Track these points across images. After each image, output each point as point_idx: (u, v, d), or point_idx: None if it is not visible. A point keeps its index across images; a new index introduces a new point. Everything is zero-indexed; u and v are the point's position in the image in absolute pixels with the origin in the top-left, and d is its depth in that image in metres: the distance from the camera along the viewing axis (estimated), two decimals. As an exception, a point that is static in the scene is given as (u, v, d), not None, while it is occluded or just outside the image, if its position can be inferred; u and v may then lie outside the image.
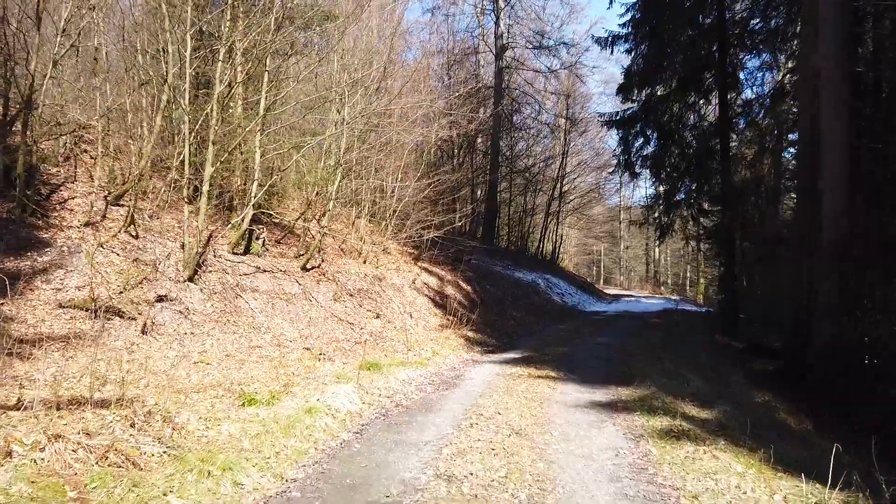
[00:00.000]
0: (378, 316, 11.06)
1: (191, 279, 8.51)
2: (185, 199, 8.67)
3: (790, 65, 16.60)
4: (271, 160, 10.35)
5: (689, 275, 47.15)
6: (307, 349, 8.71)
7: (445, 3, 25.51)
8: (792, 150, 16.52)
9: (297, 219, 11.92)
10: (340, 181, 11.49)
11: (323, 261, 11.77)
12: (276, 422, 4.94)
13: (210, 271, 9.10)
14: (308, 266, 10.97)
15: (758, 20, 16.00)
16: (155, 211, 9.64)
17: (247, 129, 8.68)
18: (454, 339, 11.33)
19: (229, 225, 9.83)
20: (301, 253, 11.15)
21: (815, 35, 11.19)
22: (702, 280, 40.12)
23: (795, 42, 16.02)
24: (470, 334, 11.87)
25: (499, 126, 24.13)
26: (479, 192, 24.14)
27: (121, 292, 7.48)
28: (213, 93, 8.77)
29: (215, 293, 8.78)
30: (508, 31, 26.20)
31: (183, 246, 8.60)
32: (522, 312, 15.54)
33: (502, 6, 25.71)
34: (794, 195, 15.98)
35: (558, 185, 27.54)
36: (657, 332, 12.78)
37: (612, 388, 7.24)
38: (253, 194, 9.57)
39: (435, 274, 14.87)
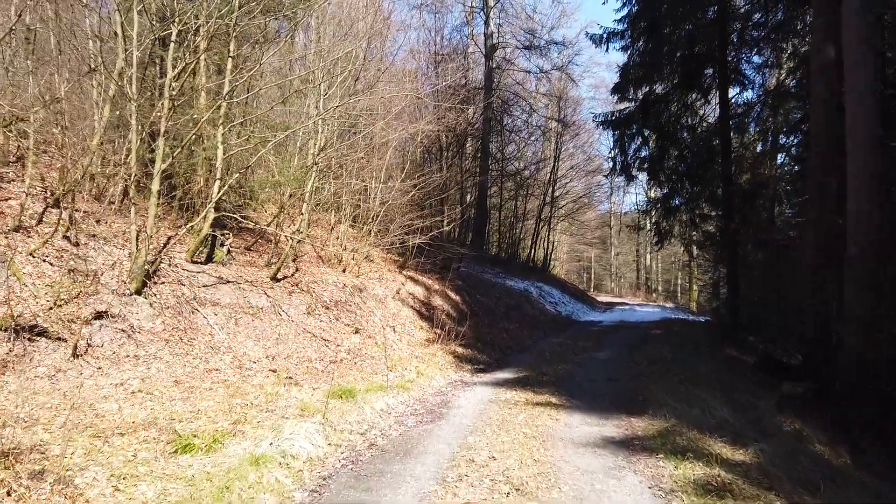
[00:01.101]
0: (357, 331, 9.98)
1: (138, 292, 7.39)
2: (132, 201, 7.56)
3: (790, 65, 15.89)
4: (237, 157, 9.27)
5: (680, 281, 46.53)
6: (273, 371, 7.62)
7: (433, 1, 24.61)
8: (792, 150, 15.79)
9: (270, 223, 10.85)
10: (316, 182, 10.42)
11: (297, 270, 10.69)
12: (209, 479, 3.85)
13: (163, 282, 7.98)
14: (279, 276, 9.89)
15: (759, 14, 15.21)
16: (103, 214, 8.54)
17: (202, 120, 7.58)
18: (441, 355, 10.27)
19: (188, 230, 8.72)
20: (272, 261, 10.07)
21: (830, 24, 10.37)
22: (694, 287, 39.41)
23: (797, 40, 15.37)
24: (459, 350, 10.82)
25: (489, 128, 23.20)
26: (468, 197, 23.16)
27: (50, 308, 6.36)
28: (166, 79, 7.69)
29: (167, 308, 7.65)
30: (499, 31, 25.35)
31: (131, 254, 7.50)
32: (515, 324, 14.51)
33: (492, 5, 24.85)
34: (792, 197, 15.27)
35: (550, 190, 26.62)
36: (660, 346, 11.79)
37: (624, 417, 6.21)
38: (214, 195, 8.47)
39: (421, 283, 13.81)
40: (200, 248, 9.08)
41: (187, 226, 8.16)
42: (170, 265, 8.38)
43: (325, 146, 10.19)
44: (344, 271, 11.85)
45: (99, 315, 6.76)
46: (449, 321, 12.37)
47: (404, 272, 13.75)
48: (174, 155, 7.77)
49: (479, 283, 16.39)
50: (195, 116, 8.18)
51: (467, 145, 22.29)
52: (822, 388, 7.46)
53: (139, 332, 7.01)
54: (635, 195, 56.24)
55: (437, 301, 13.42)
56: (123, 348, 6.65)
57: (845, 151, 8.62)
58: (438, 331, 11.18)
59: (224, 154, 8.69)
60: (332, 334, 9.55)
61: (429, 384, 8.11)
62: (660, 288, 45.99)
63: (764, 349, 13.51)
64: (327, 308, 10.12)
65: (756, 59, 15.89)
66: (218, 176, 8.65)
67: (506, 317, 14.79)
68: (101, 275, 7.33)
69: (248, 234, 10.99)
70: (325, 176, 12.06)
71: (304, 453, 4.62)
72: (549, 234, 28.37)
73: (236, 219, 9.64)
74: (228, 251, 9.85)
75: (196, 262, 8.90)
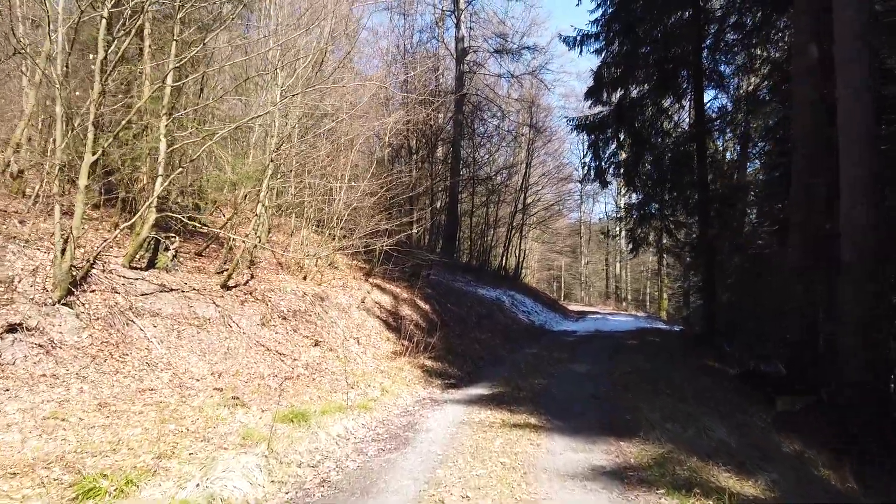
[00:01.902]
0: (317, 343, 9.14)
1: (63, 301, 6.45)
2: (56, 198, 6.63)
3: (763, 71, 15.70)
4: (185, 152, 8.38)
5: (649, 290, 46.68)
6: (218, 390, 6.74)
7: (403, 3, 23.97)
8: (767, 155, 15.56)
9: (223, 226, 9.95)
10: (274, 181, 9.58)
11: (252, 277, 9.81)
12: (107, 540, 3.04)
13: (93, 290, 7.03)
14: (231, 283, 9.00)
15: (735, 17, 14.97)
16: (27, 213, 7.58)
17: (135, 107, 6.71)
18: (409, 369, 9.49)
19: (124, 231, 7.80)
20: (224, 268, 9.17)
21: (815, 23, 10.07)
22: (664, 296, 39.47)
23: (770, 47, 15.19)
24: (428, 363, 10.06)
25: (460, 132, 22.59)
26: (438, 203, 22.49)
27: (-52, 321, 5.43)
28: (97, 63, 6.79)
29: (97, 319, 6.72)
30: (470, 35, 24.84)
31: (54, 258, 6.56)
32: (487, 334, 13.82)
33: (463, 8, 24.34)
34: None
35: (522, 197, 26.13)
36: (639, 356, 11.24)
37: (613, 441, 5.54)
38: (155, 192, 7.57)
39: (389, 291, 13.02)
40: (141, 253, 8.18)
41: (122, 226, 7.24)
42: (104, 271, 7.44)
43: (283, 142, 9.36)
44: (305, 279, 10.99)
45: (12, 328, 5.82)
46: (418, 332, 11.61)
47: (371, 280, 12.94)
48: (105, 146, 6.86)
49: (450, 291, 15.68)
50: (135, 104, 7.29)
51: (438, 150, 21.64)
52: (820, 400, 6.93)
53: (60, 348, 6.08)
54: (605, 204, 56.69)
55: (406, 310, 12.65)
56: (39, 366, 5.73)
57: (832, 152, 8.26)
58: (406, 342, 10.41)
59: (168, 147, 7.81)
60: (289, 347, 8.69)
61: (394, 403, 7.32)
62: (629, 297, 46.06)
63: (741, 357, 13.15)
64: (284, 318, 9.26)
65: (727, 67, 15.67)
66: (160, 171, 7.76)
67: (478, 327, 14.09)
68: (19, 281, 6.39)
69: (200, 238, 10.08)
70: (285, 176, 11.22)
71: (238, 496, 3.81)
72: (520, 242, 27.85)
73: (182, 220, 8.72)
74: (174, 256, 8.93)
75: (135, 268, 7.98)
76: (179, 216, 8.46)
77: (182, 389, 6.58)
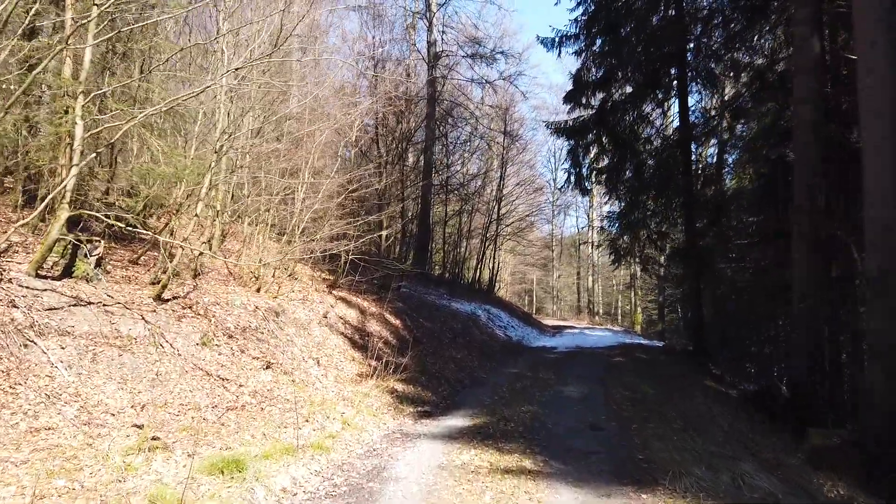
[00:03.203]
0: (269, 366, 7.81)
1: (-66, 317, 5.07)
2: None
3: (744, 78, 15.09)
4: (108, 137, 7.03)
5: (620, 304, 46.27)
6: (136, 428, 5.40)
7: (373, 4, 22.88)
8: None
9: (162, 230, 8.59)
10: (219, 176, 8.30)
11: (196, 288, 8.46)
12: None
13: (-20, 304, 5.66)
14: (166, 296, 7.64)
15: (719, 17, 14.32)
16: None
17: (29, 79, 5.39)
18: (377, 394, 8.23)
19: (17, 230, 6.43)
20: (159, 278, 7.81)
21: (816, 14, 9.35)
22: (639, 310, 38.96)
23: (753, 53, 14.60)
24: (399, 386, 8.82)
25: (432, 137, 21.52)
26: (410, 213, 21.31)
27: None
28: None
29: (-18, 340, 5.35)
30: (443, 39, 23.93)
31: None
32: (464, 352, 12.62)
33: (435, 11, 23.43)
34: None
35: (497, 207, 25.15)
36: (631, 376, 10.20)
37: (633, 493, 4.37)
38: (66, 184, 6.22)
39: (355, 305, 11.74)
40: (55, 259, 6.80)
41: (18, 224, 5.86)
42: (0, 280, 6.06)
43: (232, 132, 8.09)
44: (259, 291, 9.66)
45: None
46: (387, 350, 10.36)
47: (335, 292, 11.65)
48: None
49: (423, 305, 14.47)
50: (37, 79, 5.97)
51: (409, 155, 20.53)
52: (860, 438, 5.93)
53: (-76, 378, 4.72)
54: (576, 218, 56.38)
55: (374, 326, 11.38)
56: None
57: (835, 150, 7.46)
58: (374, 363, 9.15)
59: (86, 132, 6.48)
60: (235, 371, 7.35)
61: (358, 439, 6.06)
62: (601, 311, 45.60)
63: (733, 376, 12.29)
64: (231, 337, 7.91)
65: (716, 65, 14.96)
66: (74, 161, 6.41)
67: (453, 344, 12.89)
68: None
69: (138, 243, 8.71)
70: (237, 174, 9.92)
71: None
72: (495, 254, 26.83)
73: (107, 220, 7.32)
74: (98, 263, 7.54)
75: (45, 277, 6.58)
76: (101, 215, 7.08)
77: (90, 427, 5.23)
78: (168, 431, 5.52)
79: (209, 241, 10.14)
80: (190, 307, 7.88)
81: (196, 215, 7.80)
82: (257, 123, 9.73)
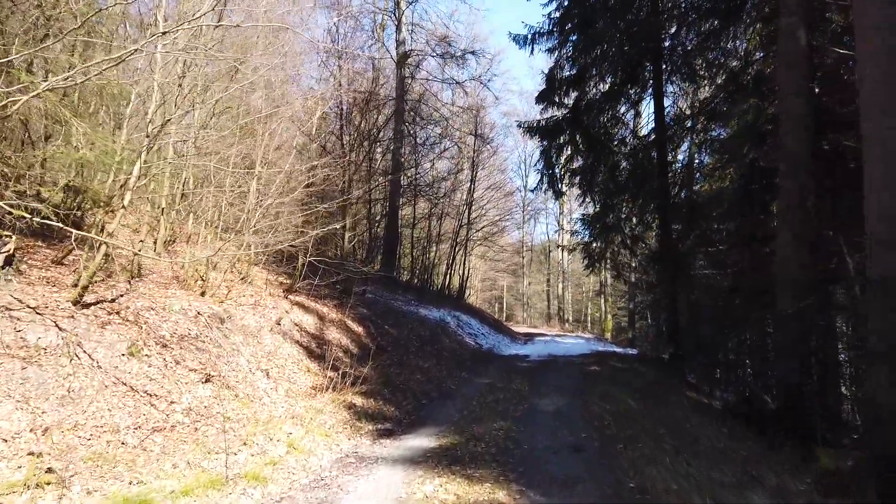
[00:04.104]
0: (208, 379, 6.87)
1: None
2: None
3: (719, 81, 14.76)
4: (17, 114, 6.05)
5: (590, 311, 46.04)
6: (32, 457, 4.46)
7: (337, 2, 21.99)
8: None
9: (91, 225, 7.60)
10: (148, 163, 7.34)
11: (128, 291, 7.48)
12: None
13: None
14: (89, 300, 6.68)
15: (694, 14, 13.93)
16: None
17: None
18: (332, 410, 7.35)
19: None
20: (77, 281, 6.81)
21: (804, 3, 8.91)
22: (609, 317, 38.69)
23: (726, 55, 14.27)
24: (358, 400, 7.95)
25: (401, 138, 20.74)
26: (377, 216, 20.43)
27: None
28: None
29: None
30: (412, 38, 23.21)
31: None
32: (432, 360, 11.80)
33: (403, 9, 22.71)
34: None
35: (467, 211, 24.47)
36: (609, 386, 9.53)
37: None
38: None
39: (313, 311, 10.82)
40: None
41: None
42: None
43: (173, 113, 7.14)
44: (203, 294, 8.70)
45: None
46: (346, 360, 9.49)
47: (291, 297, 10.71)
48: None
49: (389, 311, 13.61)
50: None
51: (377, 154, 19.68)
52: (870, 456, 5.30)
53: None
54: (546, 224, 56.24)
55: (333, 334, 10.48)
56: None
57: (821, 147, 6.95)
58: (331, 374, 8.27)
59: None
60: (167, 386, 6.40)
61: (304, 466, 5.19)
62: (571, 318, 45.28)
63: (711, 387, 11.79)
64: (164, 346, 6.95)
65: (692, 60, 14.58)
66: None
67: (420, 352, 12.06)
68: None
69: (68, 242, 7.67)
70: (178, 163, 8.95)
71: None
72: (465, 260, 26.11)
73: (15, 213, 6.31)
74: (9, 262, 6.56)
75: (-67, 277, 5.59)
76: (4, 204, 6.08)
77: (-30, 458, 4.28)
78: (70, 461, 4.58)
79: (154, 241, 9.17)
80: (117, 312, 6.91)
81: (123, 207, 6.82)
82: (207, 108, 8.81)
